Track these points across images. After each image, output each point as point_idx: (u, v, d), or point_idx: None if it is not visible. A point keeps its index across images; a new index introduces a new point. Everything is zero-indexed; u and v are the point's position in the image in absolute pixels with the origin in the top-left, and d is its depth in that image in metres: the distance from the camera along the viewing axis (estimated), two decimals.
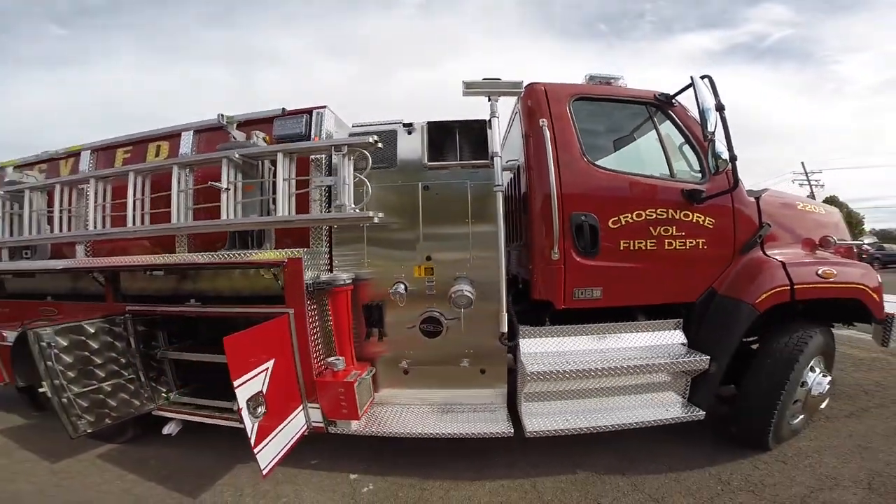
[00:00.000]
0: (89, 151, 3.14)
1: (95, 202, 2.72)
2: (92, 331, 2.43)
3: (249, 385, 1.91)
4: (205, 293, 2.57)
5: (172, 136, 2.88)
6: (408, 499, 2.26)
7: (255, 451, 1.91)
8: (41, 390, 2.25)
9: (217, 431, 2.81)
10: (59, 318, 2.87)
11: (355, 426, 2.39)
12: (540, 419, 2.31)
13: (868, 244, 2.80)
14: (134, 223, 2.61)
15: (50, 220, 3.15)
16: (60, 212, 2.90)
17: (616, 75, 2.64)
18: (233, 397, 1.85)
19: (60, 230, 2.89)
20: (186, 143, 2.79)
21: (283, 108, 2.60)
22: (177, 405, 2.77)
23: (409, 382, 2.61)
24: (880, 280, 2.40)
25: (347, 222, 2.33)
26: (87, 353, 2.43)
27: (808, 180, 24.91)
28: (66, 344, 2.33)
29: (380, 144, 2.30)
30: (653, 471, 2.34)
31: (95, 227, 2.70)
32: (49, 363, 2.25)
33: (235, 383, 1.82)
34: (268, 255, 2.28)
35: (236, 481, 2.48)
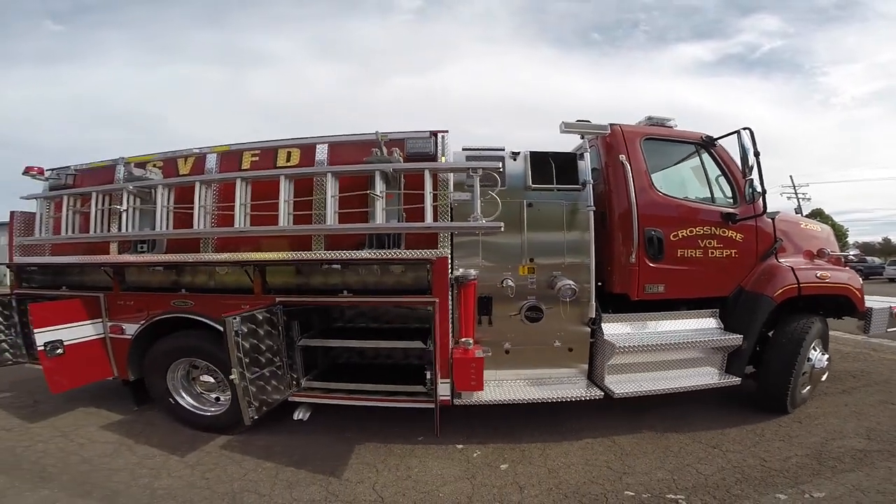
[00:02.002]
0: (215, 155, 3.47)
1: (241, 201, 3.06)
2: (260, 318, 2.78)
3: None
4: (350, 286, 3.08)
5: (305, 146, 3.29)
6: (513, 458, 2.86)
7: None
8: (231, 377, 2.46)
9: (316, 416, 3.26)
10: (194, 309, 3.24)
11: (477, 397, 3.00)
12: (621, 386, 3.07)
13: (852, 255, 3.78)
14: (280, 223, 3.01)
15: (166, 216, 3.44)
16: (195, 208, 3.18)
17: (669, 118, 3.51)
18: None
19: (201, 226, 3.21)
20: (322, 153, 3.25)
21: (431, 132, 3.16)
22: (307, 390, 3.12)
23: (509, 361, 3.28)
24: (862, 282, 3.41)
25: (482, 230, 2.97)
26: (255, 340, 2.69)
27: (796, 194, 26.93)
28: (245, 331, 2.58)
29: (500, 167, 2.97)
30: (702, 428, 3.15)
31: (241, 225, 3.07)
32: (238, 351, 2.47)
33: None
34: (423, 253, 2.86)
35: (365, 459, 2.85)
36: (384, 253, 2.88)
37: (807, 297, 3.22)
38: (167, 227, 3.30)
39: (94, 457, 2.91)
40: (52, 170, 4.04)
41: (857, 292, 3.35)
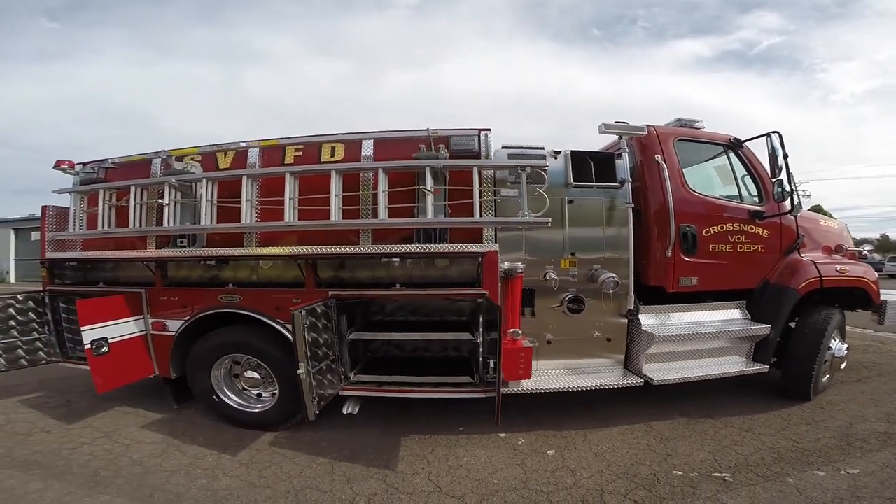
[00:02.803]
0: (258, 148, 3.52)
1: (290, 195, 3.09)
2: (319, 312, 2.83)
3: None
4: (397, 279, 3.18)
5: (349, 141, 3.37)
6: (558, 444, 3.03)
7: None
8: (299, 372, 2.47)
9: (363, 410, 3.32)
10: (243, 304, 3.27)
11: (523, 385, 3.15)
12: (659, 374, 3.26)
13: (867, 251, 4.07)
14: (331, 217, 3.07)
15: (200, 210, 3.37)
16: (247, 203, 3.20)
17: (697, 119, 3.71)
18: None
19: (248, 220, 3.21)
20: (368, 148, 3.34)
21: (476, 130, 3.30)
22: (357, 384, 3.17)
23: (551, 351, 3.44)
24: (877, 276, 3.67)
25: (530, 226, 3.10)
26: (315, 334, 2.72)
27: (796, 190, 28.27)
28: (308, 325, 2.62)
29: (547, 165, 3.12)
30: (732, 414, 3.37)
31: (291, 219, 3.09)
32: (305, 346, 2.50)
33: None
34: (476, 247, 2.99)
35: (413, 451, 2.94)
36: (440, 247, 3.00)
37: (826, 290, 3.46)
38: (211, 221, 3.32)
39: (144, 458, 2.90)
40: (84, 163, 4.04)
41: (873, 285, 3.62)
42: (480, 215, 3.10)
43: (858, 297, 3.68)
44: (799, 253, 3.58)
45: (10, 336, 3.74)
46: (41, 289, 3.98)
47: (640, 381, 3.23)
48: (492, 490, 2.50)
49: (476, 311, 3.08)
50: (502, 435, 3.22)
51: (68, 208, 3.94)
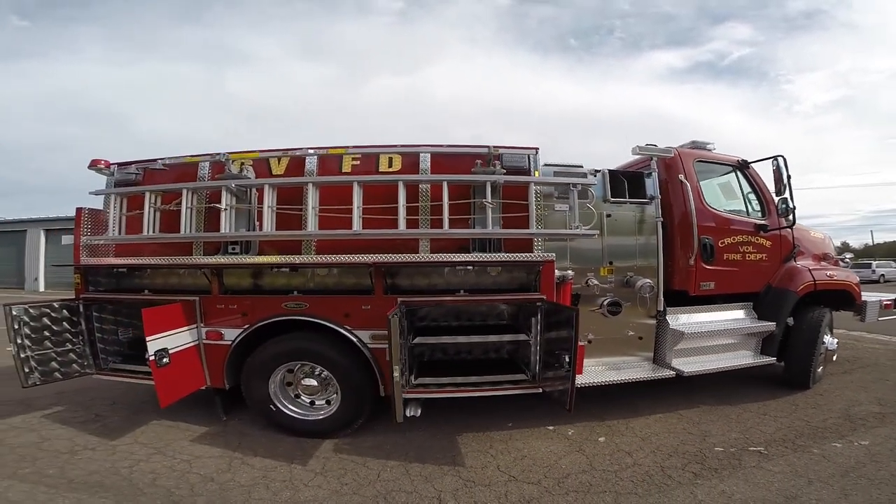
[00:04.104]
0: (315, 156, 3.66)
1: (357, 204, 3.25)
2: (398, 318, 2.94)
3: None
4: (453, 285, 3.46)
5: (407, 154, 3.61)
6: (605, 432, 3.43)
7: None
8: (395, 376, 2.67)
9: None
10: (309, 311, 3.37)
11: (578, 380, 3.49)
12: (688, 366, 3.77)
13: (848, 259, 4.82)
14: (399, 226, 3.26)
15: (259, 216, 3.40)
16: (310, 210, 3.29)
17: (709, 141, 4.31)
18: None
19: (311, 227, 3.33)
20: (425, 161, 3.60)
21: (531, 151, 3.65)
22: (419, 386, 3.28)
23: (591, 350, 3.85)
24: (858, 280, 4.40)
25: (581, 237, 3.50)
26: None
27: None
28: (400, 329, 2.77)
29: (596, 183, 3.57)
30: (746, 401, 3.94)
31: (357, 228, 3.24)
32: (399, 349, 2.69)
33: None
34: (536, 256, 3.35)
35: (473, 447, 3.19)
36: (511, 256, 3.33)
37: (819, 292, 4.12)
38: (271, 228, 3.37)
39: (212, 474, 2.85)
40: (119, 164, 3.95)
41: (856, 288, 4.34)
42: (535, 227, 3.46)
43: (843, 299, 4.39)
44: (795, 261, 4.23)
45: (44, 347, 3.59)
46: (73, 297, 3.84)
47: (671, 373, 3.72)
48: (563, 474, 2.84)
49: (520, 313, 3.45)
50: (550, 427, 3.58)
51: (102, 211, 3.91)
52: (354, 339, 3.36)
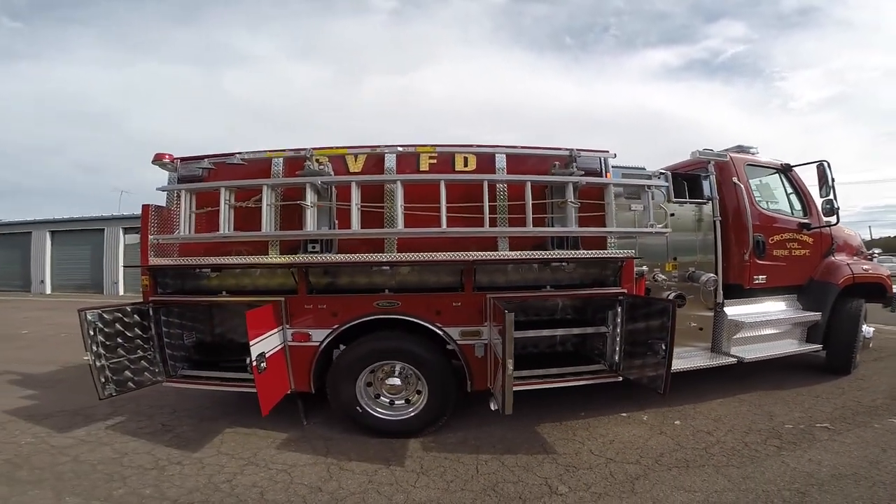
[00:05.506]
0: (394, 154, 3.89)
1: (445, 202, 3.45)
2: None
3: None
4: (529, 282, 3.90)
5: (482, 154, 3.94)
6: (676, 416, 3.96)
7: None
8: (508, 371, 2.91)
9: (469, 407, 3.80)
10: (401, 309, 3.66)
11: None
12: (747, 353, 4.37)
13: (877, 253, 5.57)
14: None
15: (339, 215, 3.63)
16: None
17: (753, 146, 4.94)
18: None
19: (399, 225, 3.55)
20: (501, 161, 3.97)
21: (603, 154, 4.08)
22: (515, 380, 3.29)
23: None
24: (889, 273, 5.15)
25: (657, 236, 4.00)
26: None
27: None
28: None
29: (668, 185, 4.09)
30: (796, 386, 4.60)
31: (444, 226, 3.45)
32: (512, 344, 2.96)
33: None
34: (620, 252, 3.83)
35: (556, 436, 3.56)
36: (596, 253, 3.81)
37: (856, 284, 4.82)
38: (357, 225, 3.49)
39: (318, 483, 2.96)
40: (183, 159, 4.05)
41: (888, 280, 5.08)
42: (613, 226, 3.89)
43: (875, 291, 5.12)
44: (833, 256, 4.92)
45: (118, 355, 3.63)
46: (142, 301, 3.94)
47: (732, 359, 4.32)
48: (658, 453, 3.34)
49: (588, 308, 3.97)
50: (624, 414, 4.08)
51: (165, 208, 3.99)
52: (446, 336, 3.71)
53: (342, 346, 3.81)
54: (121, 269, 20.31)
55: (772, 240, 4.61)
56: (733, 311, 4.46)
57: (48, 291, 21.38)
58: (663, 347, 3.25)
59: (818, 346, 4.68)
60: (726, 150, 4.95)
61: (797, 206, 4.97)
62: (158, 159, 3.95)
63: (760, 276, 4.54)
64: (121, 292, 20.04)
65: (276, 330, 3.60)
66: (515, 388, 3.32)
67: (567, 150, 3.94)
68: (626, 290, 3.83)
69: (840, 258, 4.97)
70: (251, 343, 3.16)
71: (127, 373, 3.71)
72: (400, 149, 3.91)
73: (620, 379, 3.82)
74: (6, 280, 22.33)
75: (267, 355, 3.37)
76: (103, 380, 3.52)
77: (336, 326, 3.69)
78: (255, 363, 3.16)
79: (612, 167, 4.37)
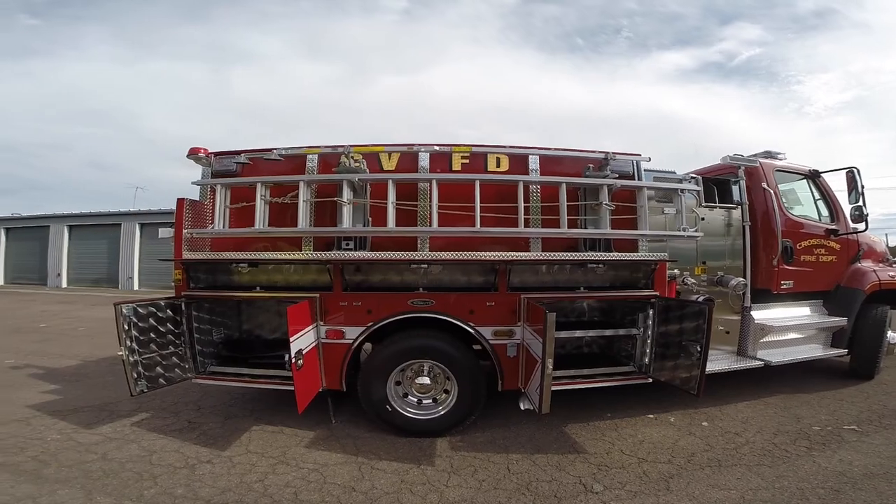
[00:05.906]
0: (427, 153, 3.97)
1: (479, 202, 3.55)
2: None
3: None
4: (560, 283, 4.00)
5: (515, 155, 4.03)
6: (703, 418, 4.08)
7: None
8: (548, 370, 2.98)
9: (494, 408, 3.83)
10: (435, 308, 3.75)
11: None
12: (773, 357, 4.49)
13: None
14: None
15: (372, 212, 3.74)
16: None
17: (781, 152, 5.04)
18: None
19: (433, 224, 3.59)
20: (534, 163, 4.07)
21: (635, 157, 4.18)
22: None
23: None
24: None
25: (688, 239, 4.13)
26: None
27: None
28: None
29: (700, 189, 4.20)
30: (819, 390, 4.74)
31: (477, 226, 3.55)
32: (553, 344, 3.03)
33: None
34: (655, 255, 3.94)
35: (585, 436, 3.65)
36: (631, 255, 3.92)
37: (883, 291, 4.94)
38: (393, 223, 3.60)
39: (350, 483, 3.00)
40: (217, 154, 4.10)
41: None
42: (646, 229, 3.99)
43: None
44: (860, 262, 5.04)
45: (150, 350, 3.65)
46: (174, 295, 3.99)
47: (759, 363, 4.45)
48: (689, 453, 3.46)
49: (616, 310, 4.08)
50: (651, 416, 4.20)
51: (199, 202, 4.06)
52: (479, 336, 3.82)
53: (368, 346, 3.87)
54: (136, 264, 20.76)
55: (800, 245, 4.73)
56: (760, 314, 4.58)
57: (64, 285, 21.65)
58: (698, 349, 3.37)
59: (843, 351, 4.81)
60: (755, 155, 5.06)
61: (824, 212, 5.09)
62: (193, 153, 4.00)
63: (788, 282, 4.66)
64: (136, 287, 20.45)
65: (311, 326, 3.69)
66: (553, 388, 3.36)
67: (602, 152, 4.05)
68: (658, 293, 3.95)
69: (866, 265, 5.10)
70: (291, 339, 3.20)
71: (158, 369, 3.74)
72: (436, 148, 4.01)
73: (650, 381, 3.95)
74: (23, 273, 22.94)
75: (304, 352, 3.45)
76: (136, 375, 3.53)
77: (370, 324, 3.78)
78: (294, 360, 3.20)
79: (645, 171, 4.50)
